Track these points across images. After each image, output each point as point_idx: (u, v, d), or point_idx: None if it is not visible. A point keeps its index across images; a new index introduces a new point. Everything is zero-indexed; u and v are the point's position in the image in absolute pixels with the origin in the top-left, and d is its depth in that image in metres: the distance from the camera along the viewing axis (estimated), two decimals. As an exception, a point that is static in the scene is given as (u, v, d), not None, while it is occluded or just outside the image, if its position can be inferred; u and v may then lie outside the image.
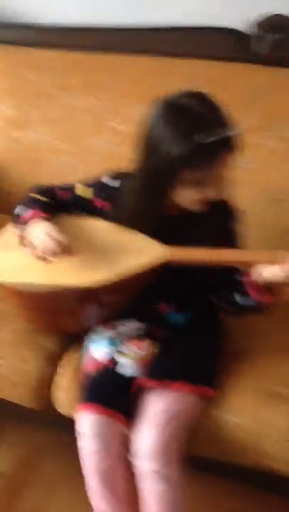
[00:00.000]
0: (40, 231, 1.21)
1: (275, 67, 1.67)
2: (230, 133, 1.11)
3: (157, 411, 1.18)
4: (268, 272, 1.15)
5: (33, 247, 1.21)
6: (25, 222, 1.25)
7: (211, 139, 1.09)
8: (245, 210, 1.58)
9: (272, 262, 1.15)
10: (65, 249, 1.20)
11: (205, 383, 1.24)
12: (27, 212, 1.27)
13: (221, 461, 1.29)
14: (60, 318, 1.32)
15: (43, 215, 1.26)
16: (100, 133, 1.76)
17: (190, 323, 1.35)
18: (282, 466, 1.21)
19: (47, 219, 1.25)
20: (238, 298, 1.25)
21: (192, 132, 1.08)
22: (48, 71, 1.83)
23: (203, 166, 1.11)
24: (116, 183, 1.30)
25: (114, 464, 1.19)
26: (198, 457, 1.29)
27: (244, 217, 1.38)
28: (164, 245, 1.22)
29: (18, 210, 1.30)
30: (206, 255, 1.20)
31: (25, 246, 1.25)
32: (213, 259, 1.20)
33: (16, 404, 1.39)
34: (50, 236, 1.19)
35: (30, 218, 1.25)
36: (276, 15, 1.66)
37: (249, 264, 1.20)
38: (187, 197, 1.17)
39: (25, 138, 1.83)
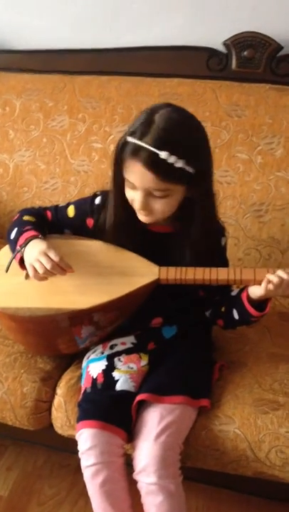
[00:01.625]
0: (39, 252, 1.21)
1: (249, 82, 1.73)
2: (142, 144, 1.12)
3: (154, 424, 1.20)
4: (260, 289, 1.20)
5: (33, 268, 1.22)
6: (21, 245, 1.26)
7: (131, 139, 1.14)
8: (228, 222, 1.64)
9: (261, 280, 1.20)
10: (64, 269, 1.22)
11: (200, 394, 1.26)
12: (22, 236, 1.28)
13: (220, 472, 1.30)
14: (54, 340, 1.33)
15: (38, 234, 1.27)
16: (81, 153, 1.78)
17: (182, 335, 1.37)
18: (282, 474, 1.23)
19: (43, 239, 1.26)
20: (235, 314, 1.30)
21: (131, 131, 1.16)
22: (30, 95, 1.85)
23: (124, 163, 1.16)
24: (99, 201, 1.33)
25: (116, 477, 1.20)
26: (197, 468, 1.31)
27: (228, 229, 1.41)
28: (155, 265, 1.25)
29: (12, 235, 1.31)
30: (196, 275, 1.22)
31: (24, 269, 1.26)
32: (204, 278, 1.22)
33: (14, 427, 1.39)
34: (48, 257, 1.20)
35: (26, 239, 1.26)
36: (248, 32, 1.71)
37: (241, 282, 1.24)
38: (129, 199, 1.21)
39: (9, 161, 1.84)
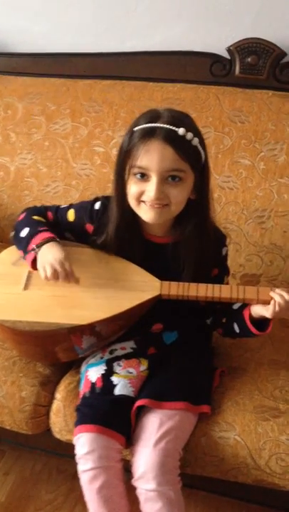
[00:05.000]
0: (55, 259, 1.22)
1: (252, 89, 1.73)
2: (158, 124, 1.15)
3: (153, 430, 1.19)
4: (262, 311, 1.21)
5: (44, 271, 1.22)
6: (37, 244, 1.26)
7: (141, 126, 1.16)
8: (230, 228, 1.63)
9: (266, 300, 1.20)
10: (70, 279, 1.23)
11: (201, 400, 1.25)
12: (39, 235, 1.28)
13: (219, 479, 1.29)
14: (53, 350, 1.31)
15: (55, 236, 1.28)
16: (83, 157, 1.78)
17: (182, 341, 1.36)
18: (282, 481, 1.22)
19: (59, 242, 1.27)
20: (236, 328, 1.30)
21: (136, 124, 1.18)
22: (32, 98, 1.85)
23: (134, 152, 1.16)
24: (99, 206, 1.33)
25: (114, 482, 1.18)
26: (197, 475, 1.30)
27: (230, 235, 1.41)
28: (156, 280, 1.25)
29: (23, 233, 1.31)
30: (199, 292, 1.22)
31: (34, 268, 1.26)
32: (206, 295, 1.22)
33: (12, 431, 1.38)
34: (63, 267, 1.21)
35: (44, 239, 1.26)
36: (252, 38, 1.71)
37: (243, 301, 1.24)
38: (133, 197, 1.20)
39: (11, 164, 1.84)
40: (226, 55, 1.75)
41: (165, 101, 1.73)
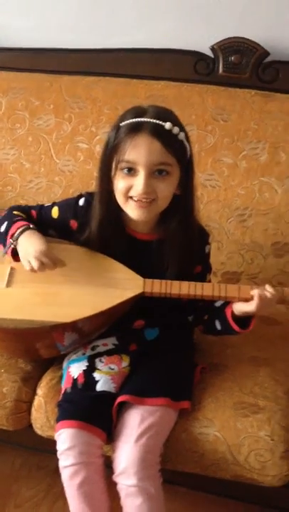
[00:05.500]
0: (38, 251, 1.21)
1: (235, 87, 1.74)
2: (145, 119, 1.16)
3: (134, 426, 1.20)
4: (245, 307, 1.22)
5: (29, 264, 1.22)
6: (13, 234, 1.26)
7: (128, 121, 1.17)
8: (212, 226, 1.65)
9: (247, 298, 1.21)
10: (56, 265, 1.23)
11: (181, 397, 1.26)
12: (13, 226, 1.27)
13: (200, 475, 1.30)
14: (34, 347, 1.31)
15: (29, 223, 1.27)
16: (67, 153, 1.78)
17: (163, 337, 1.37)
18: (261, 477, 1.24)
19: (35, 229, 1.26)
20: (218, 325, 1.31)
21: (122, 120, 1.19)
22: (16, 93, 1.84)
23: (121, 146, 1.17)
24: (83, 202, 1.33)
25: (95, 478, 1.19)
26: (176, 471, 1.31)
27: (211, 233, 1.42)
28: (139, 277, 1.25)
29: (2, 228, 1.30)
30: (181, 289, 1.23)
31: (16, 260, 1.26)
32: (189, 293, 1.23)
33: (-8, 427, 1.38)
34: (45, 255, 1.21)
35: (18, 228, 1.26)
36: (236, 37, 1.72)
37: (225, 299, 1.25)
38: (121, 192, 1.21)
39: (-7, 159, 1.84)
40: (210, 53, 1.76)
41: (149, 98, 1.73)
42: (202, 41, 1.76)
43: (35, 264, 1.21)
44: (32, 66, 1.89)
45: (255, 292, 1.20)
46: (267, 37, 1.73)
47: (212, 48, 1.74)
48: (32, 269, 1.23)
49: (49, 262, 1.21)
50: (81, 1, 1.85)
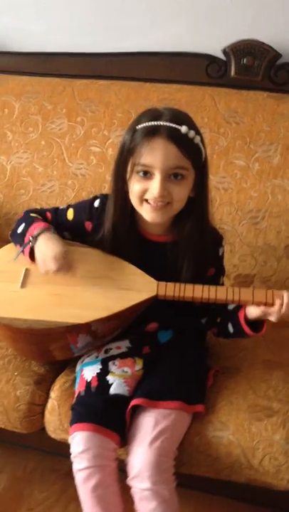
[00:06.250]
0: (55, 254, 1.23)
1: (247, 90, 1.74)
2: (161, 122, 1.16)
3: (148, 429, 1.19)
4: (258, 311, 1.21)
5: (45, 266, 1.24)
6: (32, 235, 1.27)
7: (144, 124, 1.17)
8: (225, 228, 1.64)
9: (261, 302, 1.21)
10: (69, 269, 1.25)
11: (195, 400, 1.26)
12: (32, 226, 1.29)
13: (212, 478, 1.30)
14: (49, 348, 1.32)
15: (49, 225, 1.29)
16: (79, 157, 1.78)
17: (176, 340, 1.37)
18: (275, 481, 1.23)
19: (55, 232, 1.28)
20: (230, 328, 1.30)
21: (138, 123, 1.19)
22: (29, 97, 1.85)
23: (137, 149, 1.17)
24: (98, 204, 1.33)
25: (108, 481, 1.19)
26: (189, 475, 1.30)
27: (224, 235, 1.42)
28: (153, 280, 1.25)
29: (20, 229, 1.32)
30: (195, 292, 1.23)
31: (32, 260, 1.27)
32: (202, 296, 1.22)
33: (5, 430, 1.38)
34: (62, 258, 1.23)
35: (37, 228, 1.27)
36: (248, 40, 1.72)
37: (239, 302, 1.24)
38: (136, 195, 1.21)
39: (7, 163, 1.84)
40: (222, 56, 1.76)
41: (161, 101, 1.73)
42: (214, 44, 1.76)
43: (50, 266, 1.22)
44: (45, 70, 1.90)
45: (282, 300, 1.19)
46: (279, 39, 1.73)
47: (224, 51, 1.75)
48: (46, 271, 1.23)
49: (64, 266, 1.22)
50: (94, 5, 1.86)
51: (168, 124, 1.16)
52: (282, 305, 1.19)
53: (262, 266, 1.67)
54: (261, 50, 1.72)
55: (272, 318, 1.21)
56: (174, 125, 1.16)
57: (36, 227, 1.28)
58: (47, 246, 1.25)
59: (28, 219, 1.33)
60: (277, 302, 1.19)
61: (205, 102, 1.73)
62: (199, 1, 1.77)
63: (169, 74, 1.79)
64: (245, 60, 1.74)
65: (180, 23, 1.80)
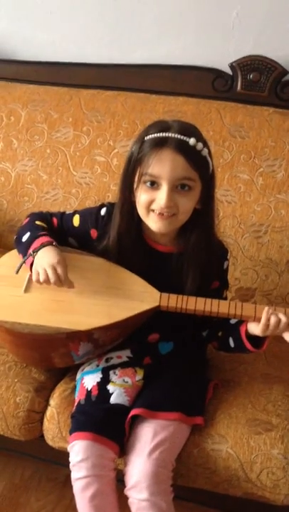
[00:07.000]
0: (48, 263, 1.23)
1: (253, 105, 1.75)
2: (170, 134, 1.18)
3: (147, 439, 1.19)
4: (259, 327, 1.21)
5: (37, 274, 1.23)
6: (35, 249, 1.27)
7: (153, 135, 1.19)
8: (227, 242, 1.65)
9: (261, 317, 1.20)
10: (64, 284, 1.23)
11: (194, 412, 1.26)
12: (38, 240, 1.29)
13: (209, 491, 1.29)
14: (50, 355, 1.32)
15: (53, 241, 1.29)
16: (84, 166, 1.79)
17: (177, 352, 1.37)
18: (272, 495, 1.23)
19: (57, 247, 1.27)
20: (231, 342, 1.31)
21: (147, 134, 1.20)
22: (36, 105, 1.86)
23: (145, 160, 1.18)
24: (104, 212, 1.34)
25: (106, 491, 1.18)
26: (186, 487, 1.30)
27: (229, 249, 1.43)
28: (156, 291, 1.26)
29: (24, 238, 1.32)
30: (197, 305, 1.23)
31: (30, 270, 1.27)
32: (204, 309, 1.23)
33: (3, 436, 1.38)
34: (55, 271, 1.22)
35: (42, 243, 1.27)
36: (254, 55, 1.74)
37: (241, 317, 1.25)
38: (142, 205, 1.22)
39: (12, 170, 1.85)
40: (229, 70, 1.78)
41: (167, 113, 1.75)
42: (221, 58, 1.78)
43: (41, 275, 1.22)
44: (52, 79, 1.91)
45: (264, 315, 1.20)
46: (285, 56, 1.75)
47: (231, 66, 1.76)
48: (37, 281, 1.23)
49: (54, 277, 1.21)
50: (102, 16, 1.88)
51: (176, 135, 1.17)
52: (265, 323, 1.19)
53: (263, 280, 1.68)
54: (268, 66, 1.74)
55: (257, 332, 1.21)
56: (182, 137, 1.17)
57: (40, 242, 1.28)
58: (45, 255, 1.25)
59: (32, 229, 1.33)
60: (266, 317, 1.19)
61: (211, 115, 1.74)
62: (207, 15, 1.79)
63: (176, 86, 1.81)
64: (251, 76, 1.76)
65: (188, 37, 1.82)
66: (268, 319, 1.19)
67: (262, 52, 1.74)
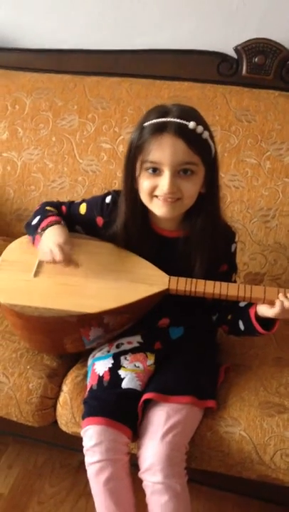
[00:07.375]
0: (54, 242, 1.24)
1: (258, 88, 1.74)
2: (169, 118, 1.17)
3: (160, 423, 1.20)
4: (269, 310, 1.21)
5: (42, 253, 1.24)
6: (43, 227, 1.29)
7: (152, 121, 1.18)
8: (235, 226, 1.65)
9: (273, 300, 1.21)
10: (69, 263, 1.24)
11: (207, 395, 1.27)
12: (45, 220, 1.30)
13: (225, 474, 1.30)
14: (61, 340, 1.32)
15: (60, 219, 1.30)
16: (90, 153, 1.78)
17: (187, 336, 1.37)
18: (287, 477, 1.23)
19: (64, 226, 1.29)
20: (241, 325, 1.31)
21: (146, 120, 1.20)
22: (40, 93, 1.85)
23: (145, 147, 1.18)
24: (109, 200, 1.34)
25: (121, 475, 1.19)
26: (203, 471, 1.31)
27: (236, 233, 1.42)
28: (165, 274, 1.26)
29: (34, 221, 1.34)
30: (206, 288, 1.23)
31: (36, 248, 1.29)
32: (214, 292, 1.23)
33: (16, 423, 1.39)
34: (61, 250, 1.22)
35: (49, 222, 1.29)
36: (259, 38, 1.72)
37: (250, 300, 1.24)
38: (146, 192, 1.22)
39: (18, 159, 1.85)
40: (234, 54, 1.76)
41: (172, 99, 1.73)
42: (226, 42, 1.76)
43: (46, 253, 1.23)
44: (56, 67, 1.90)
45: (279, 299, 1.20)
46: (291, 38, 1.73)
47: (236, 49, 1.75)
48: (45, 259, 1.25)
49: (60, 255, 1.22)
50: (105, 2, 1.86)
51: (175, 120, 1.16)
52: (280, 306, 1.19)
53: (272, 264, 1.67)
54: (273, 49, 1.72)
55: (270, 314, 1.21)
56: (181, 121, 1.16)
57: (48, 220, 1.30)
58: (51, 235, 1.26)
59: (43, 212, 1.35)
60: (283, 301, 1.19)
61: (216, 100, 1.73)
62: (210, -1, 1.78)
63: (181, 71, 1.79)
64: (256, 59, 1.74)
65: (192, 21, 1.81)
66: (283, 302, 1.19)
67: (266, 35, 1.72)
